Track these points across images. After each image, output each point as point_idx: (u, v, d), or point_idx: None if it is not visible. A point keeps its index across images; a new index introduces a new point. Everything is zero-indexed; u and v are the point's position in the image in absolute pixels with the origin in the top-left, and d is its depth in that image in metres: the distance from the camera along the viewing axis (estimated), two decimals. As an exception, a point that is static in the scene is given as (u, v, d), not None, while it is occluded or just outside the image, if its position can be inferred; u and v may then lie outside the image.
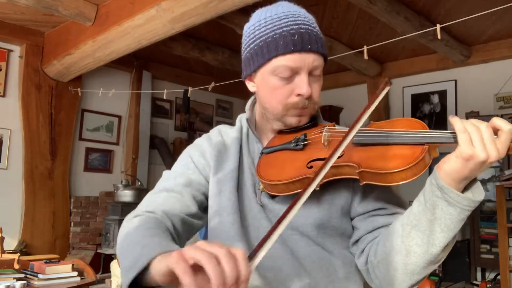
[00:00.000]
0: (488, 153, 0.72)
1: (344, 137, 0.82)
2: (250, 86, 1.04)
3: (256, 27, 0.97)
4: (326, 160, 0.80)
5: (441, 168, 0.77)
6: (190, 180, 1.02)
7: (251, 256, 0.63)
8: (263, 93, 1.00)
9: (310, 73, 0.94)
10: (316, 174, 0.78)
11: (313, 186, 0.76)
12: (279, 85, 0.95)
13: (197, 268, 0.59)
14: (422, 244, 0.81)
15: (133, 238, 0.83)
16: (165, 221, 0.93)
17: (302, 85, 0.93)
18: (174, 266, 0.59)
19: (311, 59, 0.93)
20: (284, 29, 0.93)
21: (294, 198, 0.73)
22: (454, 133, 0.77)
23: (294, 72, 0.93)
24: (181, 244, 0.97)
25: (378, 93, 0.84)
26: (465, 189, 0.79)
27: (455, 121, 0.76)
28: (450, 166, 0.76)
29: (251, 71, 0.99)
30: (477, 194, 0.78)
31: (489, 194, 4.36)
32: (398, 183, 0.80)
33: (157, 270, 0.67)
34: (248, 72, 1.01)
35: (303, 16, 0.96)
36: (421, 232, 0.81)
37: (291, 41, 0.91)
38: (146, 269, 0.70)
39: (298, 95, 0.94)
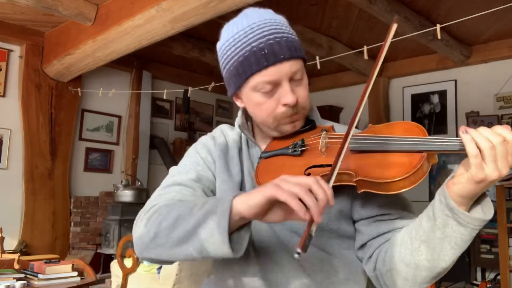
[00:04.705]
0: (500, 172, 0.71)
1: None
2: (239, 103, 1.03)
3: (226, 46, 0.97)
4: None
5: (451, 189, 0.76)
6: (200, 175, 1.02)
7: (328, 180, 0.76)
8: (251, 109, 0.99)
9: (291, 79, 0.93)
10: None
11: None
12: (263, 100, 0.94)
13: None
14: (432, 260, 0.81)
15: (178, 208, 0.85)
16: None
17: (286, 95, 0.92)
18: (278, 195, 0.71)
19: (287, 68, 0.91)
20: (253, 44, 0.91)
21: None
22: (454, 140, 0.75)
23: (275, 85, 0.92)
24: None
25: (388, 34, 0.81)
26: (475, 202, 0.78)
27: (467, 142, 0.72)
28: (460, 188, 0.75)
29: (233, 91, 0.99)
30: (487, 212, 0.78)
31: (489, 194, 4.32)
32: (396, 192, 0.79)
33: (248, 203, 0.74)
34: (231, 92, 1.00)
35: (270, 23, 0.93)
36: (431, 248, 0.81)
37: (262, 56, 0.90)
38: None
39: (285, 105, 0.93)
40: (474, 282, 4.33)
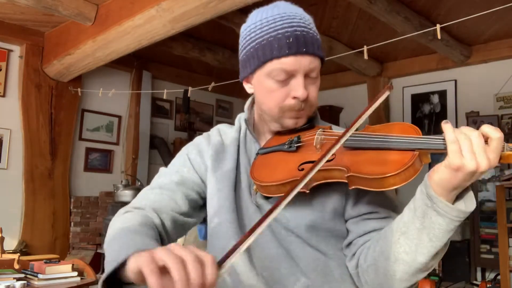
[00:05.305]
0: (477, 163, 0.70)
1: (337, 140, 0.81)
2: (248, 87, 1.04)
3: (252, 29, 0.97)
4: (314, 163, 0.79)
5: (431, 178, 0.76)
6: (184, 178, 1.03)
7: (220, 262, 0.63)
8: (259, 95, 1.00)
9: (306, 75, 0.94)
10: (302, 177, 0.77)
11: (297, 189, 0.75)
12: (275, 87, 0.94)
13: (165, 270, 0.60)
14: (410, 252, 0.80)
15: (117, 235, 0.85)
16: (153, 217, 0.94)
17: (298, 88, 0.93)
18: (142, 266, 0.61)
19: (307, 62, 0.92)
20: (280, 31, 0.92)
21: (277, 200, 0.73)
22: (442, 139, 0.75)
23: (290, 75, 0.93)
24: (171, 241, 0.99)
25: (378, 96, 0.82)
26: (457, 197, 0.77)
27: (446, 130, 0.74)
28: (440, 176, 0.74)
29: (247, 73, 0.99)
30: (469, 204, 0.77)
31: (489, 194, 4.36)
32: (387, 189, 0.79)
33: (130, 268, 0.67)
34: (244, 74, 1.01)
35: (299, 17, 0.95)
36: (410, 240, 0.80)
37: (286, 44, 0.90)
38: (124, 266, 0.70)
39: (294, 97, 0.94)
40: (474, 282, 4.32)
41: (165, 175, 1.05)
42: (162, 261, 0.61)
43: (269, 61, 0.92)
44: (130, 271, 0.66)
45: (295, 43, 0.91)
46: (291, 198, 0.74)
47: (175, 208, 1.00)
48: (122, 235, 0.84)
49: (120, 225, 0.89)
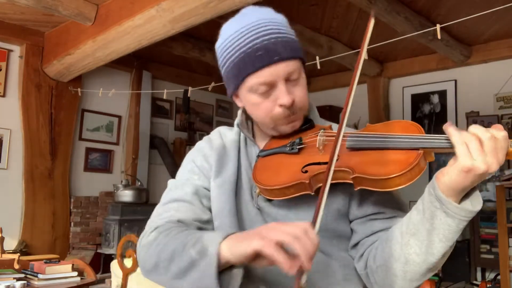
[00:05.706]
0: (488, 164, 0.70)
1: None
2: (238, 102, 1.03)
3: (223, 47, 0.96)
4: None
5: (440, 180, 0.76)
6: (197, 186, 1.02)
7: (313, 223, 0.76)
8: (249, 109, 1.00)
9: (287, 80, 0.92)
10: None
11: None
12: (259, 100, 0.94)
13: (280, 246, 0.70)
14: (420, 253, 0.81)
15: (174, 241, 0.86)
16: (184, 227, 0.94)
17: (281, 96, 0.92)
18: (263, 248, 0.70)
19: (282, 68, 0.90)
20: (249, 45, 0.90)
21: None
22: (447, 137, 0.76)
23: (270, 86, 0.92)
24: None
25: (367, 30, 0.83)
26: (464, 196, 0.78)
27: (451, 134, 0.74)
28: (450, 179, 0.74)
29: (232, 91, 0.99)
30: (476, 204, 0.77)
31: (489, 194, 4.36)
32: (393, 189, 0.79)
33: (234, 252, 0.75)
34: (229, 92, 1.01)
35: (266, 23, 0.92)
36: (420, 241, 0.80)
37: (256, 58, 0.89)
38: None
39: (281, 105, 0.93)
40: (474, 282, 4.33)
41: (176, 188, 1.03)
42: (279, 241, 0.70)
43: (246, 77, 0.92)
44: (235, 255, 0.74)
45: (265, 54, 0.89)
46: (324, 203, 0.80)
47: (197, 218, 0.98)
48: (180, 239, 0.85)
49: (164, 237, 0.89)
